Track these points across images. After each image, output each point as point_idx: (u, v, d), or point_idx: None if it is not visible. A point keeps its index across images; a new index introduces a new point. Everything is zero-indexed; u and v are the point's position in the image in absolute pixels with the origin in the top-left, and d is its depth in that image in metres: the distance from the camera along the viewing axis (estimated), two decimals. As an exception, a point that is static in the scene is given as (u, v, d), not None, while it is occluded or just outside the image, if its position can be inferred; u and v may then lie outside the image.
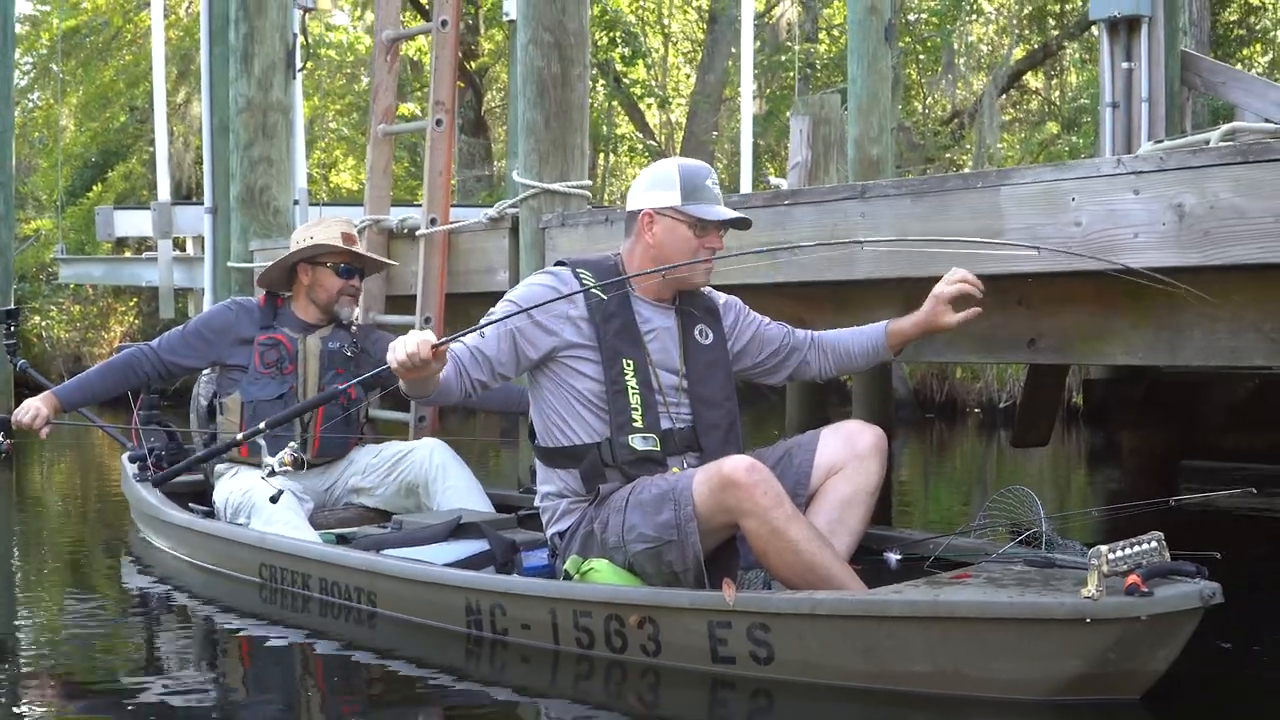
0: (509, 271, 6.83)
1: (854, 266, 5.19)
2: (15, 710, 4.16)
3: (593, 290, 4.85)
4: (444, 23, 7.16)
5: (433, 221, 7.17)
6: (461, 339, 4.67)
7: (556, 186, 6.57)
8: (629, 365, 4.78)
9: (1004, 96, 21.98)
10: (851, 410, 11.07)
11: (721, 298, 5.18)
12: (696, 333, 4.98)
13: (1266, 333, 4.35)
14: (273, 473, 5.59)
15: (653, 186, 4.92)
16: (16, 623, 5.52)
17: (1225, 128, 4.59)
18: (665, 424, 4.81)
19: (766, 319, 5.21)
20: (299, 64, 8.94)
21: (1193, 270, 4.30)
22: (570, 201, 6.60)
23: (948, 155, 20.19)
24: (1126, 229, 4.36)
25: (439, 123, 7.16)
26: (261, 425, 5.91)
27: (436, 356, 4.32)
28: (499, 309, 4.84)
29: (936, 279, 4.81)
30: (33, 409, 6.29)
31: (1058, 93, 22.53)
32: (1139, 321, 4.66)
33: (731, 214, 4.85)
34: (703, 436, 4.87)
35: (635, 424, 4.74)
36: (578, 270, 4.92)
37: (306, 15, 9.58)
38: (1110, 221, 4.40)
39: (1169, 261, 4.29)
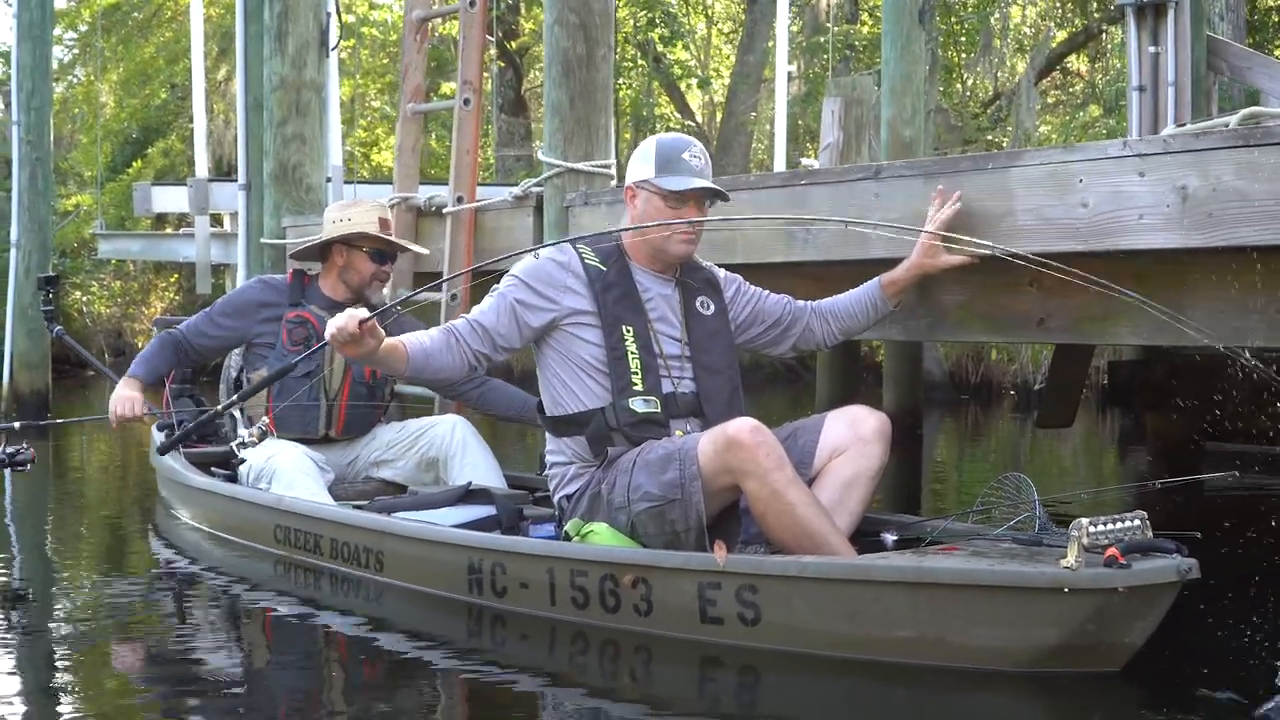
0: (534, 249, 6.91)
1: (869, 246, 5.24)
2: (45, 675, 4.28)
3: (587, 258, 5.01)
4: (472, 3, 7.24)
5: (459, 200, 7.27)
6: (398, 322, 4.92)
7: (580, 166, 6.64)
8: (628, 331, 4.90)
9: (1047, 79, 21.93)
10: (883, 391, 11.18)
11: (721, 272, 5.29)
12: (698, 304, 5.09)
13: (1269, 314, 4.40)
14: (243, 444, 5.76)
15: (636, 161, 5.06)
16: (48, 588, 5.64)
17: (1244, 112, 4.61)
18: (667, 388, 4.93)
19: (766, 292, 5.31)
20: (333, 42, 9.01)
21: (1196, 251, 4.35)
22: (594, 180, 6.67)
23: (989, 138, 20.14)
24: (1132, 210, 4.41)
25: (466, 102, 7.25)
26: (234, 398, 6.06)
27: (367, 331, 4.58)
28: (503, 283, 5.02)
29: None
30: (125, 400, 6.41)
31: (1101, 76, 22.43)
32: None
33: (694, 184, 4.93)
34: (706, 403, 4.98)
35: (636, 387, 4.85)
36: (577, 244, 5.08)
37: (340, -6, 9.65)
38: (1116, 203, 4.45)
39: (1173, 243, 4.34)
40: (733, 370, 5.10)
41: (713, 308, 5.13)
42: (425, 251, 7.15)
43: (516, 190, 7.09)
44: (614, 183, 6.78)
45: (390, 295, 7.08)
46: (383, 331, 4.71)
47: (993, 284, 5.04)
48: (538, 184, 6.89)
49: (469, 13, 7.27)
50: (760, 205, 5.54)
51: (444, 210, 7.35)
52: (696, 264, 5.19)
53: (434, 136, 21.42)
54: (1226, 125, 4.49)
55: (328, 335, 4.64)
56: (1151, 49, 8.88)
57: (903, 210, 5.10)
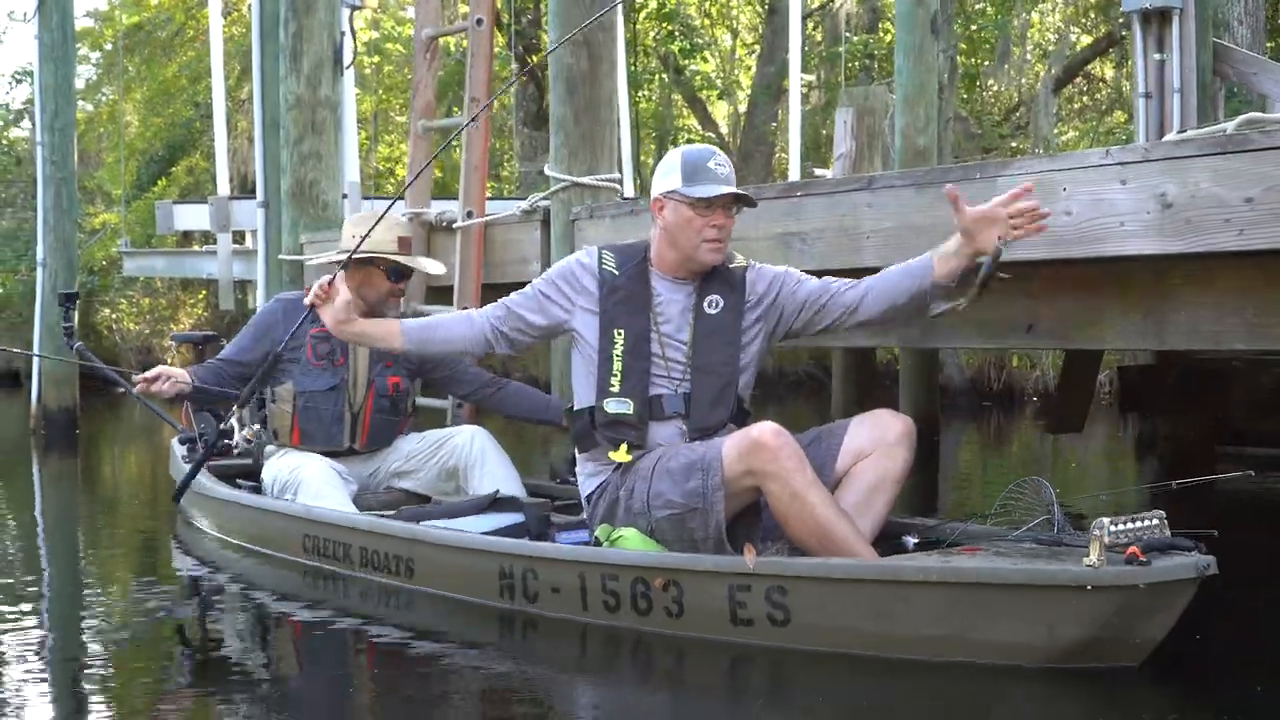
0: (541, 262, 7.01)
1: (863, 254, 5.35)
2: (74, 683, 4.36)
3: (605, 264, 5.18)
4: (479, 21, 7.34)
5: (469, 214, 7.36)
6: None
7: (585, 180, 6.76)
8: (619, 334, 5.04)
9: (1072, 85, 21.93)
10: (900, 398, 11.23)
11: (763, 270, 5.22)
12: (706, 304, 5.13)
13: (1247, 317, 4.48)
14: (240, 446, 6.34)
15: (662, 174, 5.12)
16: (76, 598, 5.76)
17: (1243, 118, 4.68)
18: (658, 390, 5.04)
19: (805, 280, 5.15)
20: (347, 61, 9.12)
21: (1175, 257, 4.44)
22: (599, 194, 6.78)
23: (1013, 144, 20.15)
24: (1114, 218, 4.50)
25: (474, 119, 7.34)
26: (244, 391, 6.43)
27: (332, 291, 5.21)
28: (538, 278, 5.33)
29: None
30: (169, 373, 6.44)
31: (1126, 81, 22.38)
32: (1129, 308, 4.80)
33: (721, 190, 4.98)
34: (693, 403, 5.06)
35: (612, 389, 5.01)
36: (602, 250, 5.24)
37: (354, 13, 9.73)
38: (1098, 211, 4.54)
39: (1152, 249, 4.43)
40: (727, 368, 5.11)
41: (721, 306, 5.13)
42: (442, 269, 7.16)
43: (524, 204, 7.20)
44: (620, 196, 6.89)
45: (404, 304, 7.20)
46: (347, 291, 5.29)
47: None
48: (545, 198, 6.99)
49: (477, 31, 7.36)
50: (759, 216, 5.61)
51: (454, 225, 7.45)
52: (724, 263, 5.19)
53: (458, 151, 21.49)
54: (1225, 131, 4.57)
55: (308, 300, 5.28)
56: (1157, 56, 8.92)
57: (895, 220, 5.20)
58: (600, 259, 5.19)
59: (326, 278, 5.17)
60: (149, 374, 6.45)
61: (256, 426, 6.34)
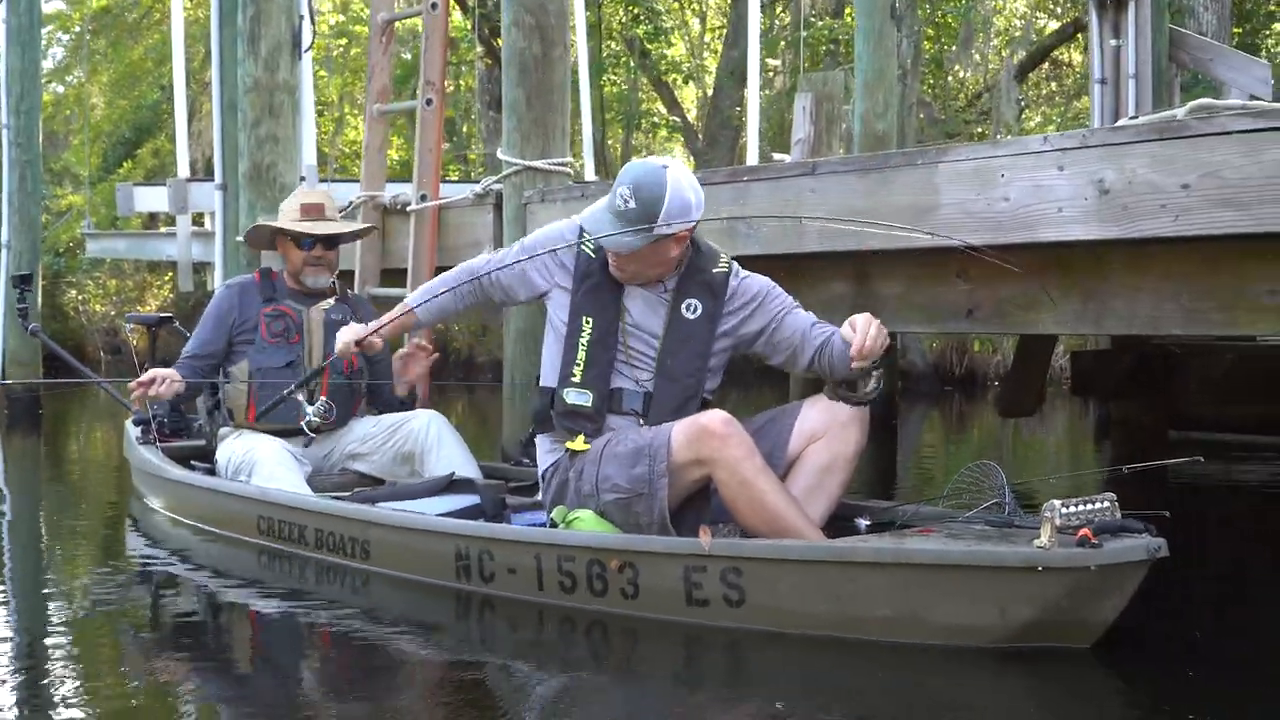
0: (494, 245, 7.03)
1: (805, 241, 5.38)
2: (30, 666, 4.31)
3: (586, 245, 5.13)
4: (434, 5, 7.36)
5: (423, 197, 7.38)
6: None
7: (537, 164, 6.78)
8: (588, 322, 5.02)
9: (1038, 71, 22.00)
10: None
11: (749, 282, 5.17)
12: (683, 306, 5.06)
13: (1183, 303, 4.52)
14: (310, 423, 6.23)
15: None
16: (36, 581, 5.72)
17: (1193, 104, 4.72)
18: (619, 383, 5.03)
19: (791, 311, 5.11)
20: (305, 44, 9.11)
21: (1113, 243, 4.48)
22: (551, 178, 6.80)
23: (978, 130, 20.20)
24: (1051, 204, 4.54)
25: (429, 102, 7.36)
26: (283, 394, 6.20)
27: (364, 346, 5.41)
28: (527, 237, 5.43)
29: (875, 251, 5.02)
30: (166, 376, 6.42)
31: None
32: (1067, 292, 4.84)
33: (604, 240, 4.97)
34: (654, 405, 5.01)
35: (573, 378, 5.00)
36: (584, 227, 5.18)
37: (312, -4, 9.72)
38: (1036, 197, 4.59)
39: (1091, 234, 4.47)
40: (694, 379, 5.05)
41: (699, 311, 5.06)
42: (349, 227, 7.04)
43: (477, 188, 7.22)
44: (571, 180, 6.91)
45: (357, 285, 7.22)
46: (378, 340, 5.48)
47: (924, 275, 5.17)
48: (497, 181, 7.01)
49: (432, 15, 7.38)
50: (707, 199, 5.61)
51: (408, 208, 7.47)
52: (705, 264, 5.12)
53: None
54: (1175, 117, 4.60)
55: (339, 350, 5.50)
56: (1113, 42, 8.98)
57: (835, 205, 5.22)
58: (583, 239, 5.12)
59: (360, 334, 5.42)
60: (144, 378, 6.39)
61: (323, 399, 6.31)
